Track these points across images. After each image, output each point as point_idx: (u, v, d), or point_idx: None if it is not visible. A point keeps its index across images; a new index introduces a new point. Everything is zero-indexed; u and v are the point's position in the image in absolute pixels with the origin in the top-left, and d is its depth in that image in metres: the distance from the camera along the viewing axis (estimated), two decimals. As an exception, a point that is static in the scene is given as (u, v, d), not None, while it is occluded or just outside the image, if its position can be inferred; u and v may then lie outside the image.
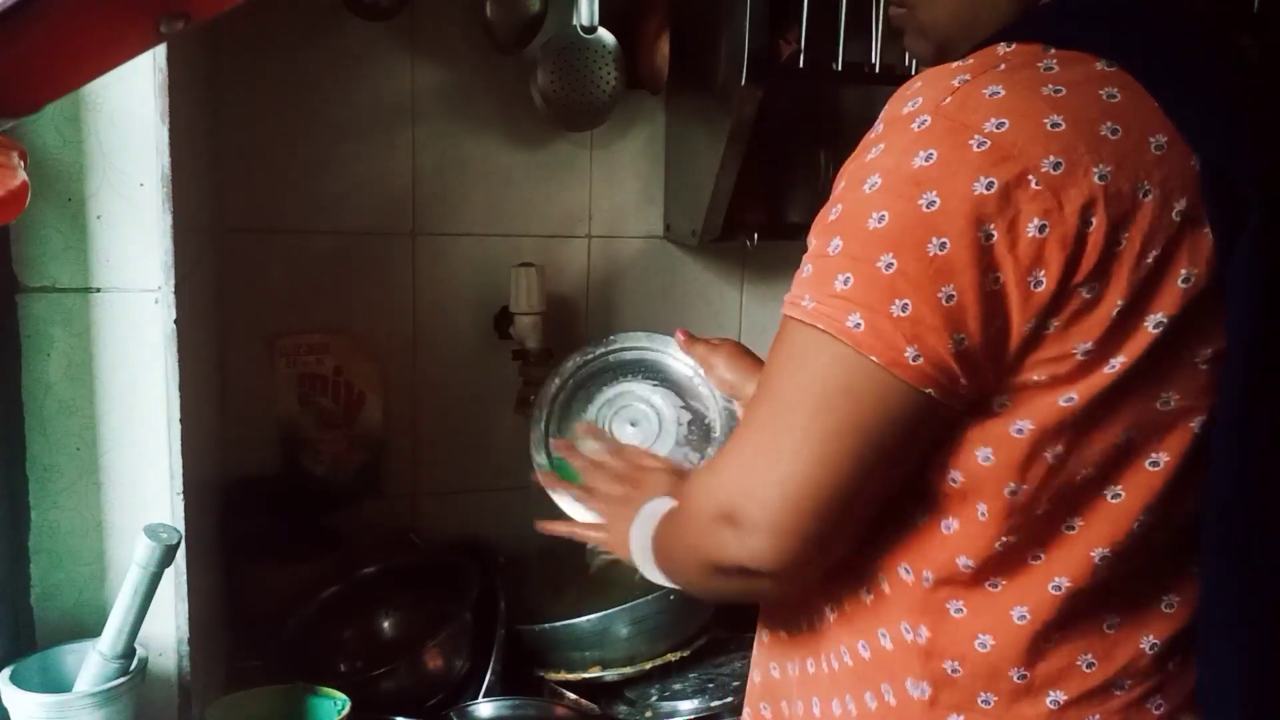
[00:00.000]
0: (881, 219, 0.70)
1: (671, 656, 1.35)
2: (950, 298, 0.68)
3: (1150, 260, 0.70)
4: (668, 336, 1.41)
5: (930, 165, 0.69)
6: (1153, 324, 0.71)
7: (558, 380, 1.33)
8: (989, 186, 0.67)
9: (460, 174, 1.61)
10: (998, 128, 0.68)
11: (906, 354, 0.69)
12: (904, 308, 0.69)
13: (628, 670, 1.34)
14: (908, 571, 0.80)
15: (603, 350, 1.39)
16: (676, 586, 0.94)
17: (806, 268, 0.75)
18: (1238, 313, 0.72)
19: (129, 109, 0.97)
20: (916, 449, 0.75)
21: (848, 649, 0.84)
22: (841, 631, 0.85)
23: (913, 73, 1.60)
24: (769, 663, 0.95)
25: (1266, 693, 0.77)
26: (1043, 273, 0.68)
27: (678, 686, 1.37)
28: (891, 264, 0.69)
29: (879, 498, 0.76)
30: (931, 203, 0.68)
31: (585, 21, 1.48)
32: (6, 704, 0.94)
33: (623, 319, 1.75)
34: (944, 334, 0.69)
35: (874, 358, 0.69)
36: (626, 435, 1.30)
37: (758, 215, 1.68)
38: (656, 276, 1.75)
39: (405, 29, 1.54)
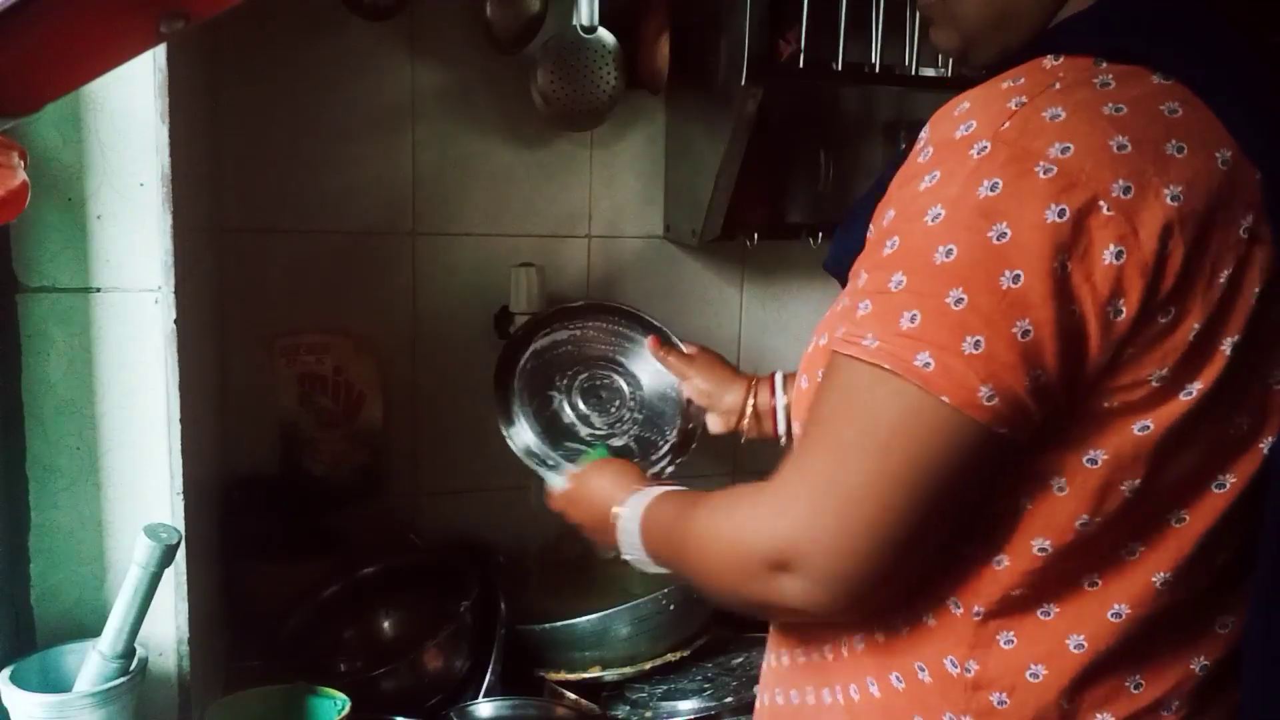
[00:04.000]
0: (949, 252, 0.66)
1: (671, 656, 1.35)
2: (1026, 333, 0.65)
3: (1223, 280, 0.68)
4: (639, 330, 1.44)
5: (997, 195, 0.66)
6: (1228, 347, 0.69)
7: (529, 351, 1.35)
8: (1061, 215, 0.64)
9: (460, 174, 1.61)
10: (1063, 153, 0.65)
11: (980, 394, 0.66)
12: (977, 344, 0.65)
13: (627, 670, 1.34)
14: (957, 605, 0.77)
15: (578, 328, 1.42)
16: (668, 572, 0.94)
17: (864, 304, 0.70)
18: None
19: (129, 109, 0.97)
20: (982, 485, 0.72)
21: (875, 680, 0.81)
22: (870, 663, 0.82)
23: (914, 72, 1.60)
24: (776, 688, 0.93)
25: None
26: (1122, 301, 0.66)
27: (678, 686, 1.37)
28: (962, 299, 0.66)
29: (942, 535, 0.74)
30: (1003, 234, 0.65)
31: (585, 21, 1.48)
32: (6, 704, 0.94)
33: (623, 319, 1.74)
34: (1020, 371, 0.66)
35: (945, 398, 0.66)
36: (583, 409, 1.33)
37: (758, 215, 1.68)
38: (656, 276, 1.75)
39: (405, 29, 1.54)
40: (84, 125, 0.97)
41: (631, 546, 0.97)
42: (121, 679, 0.95)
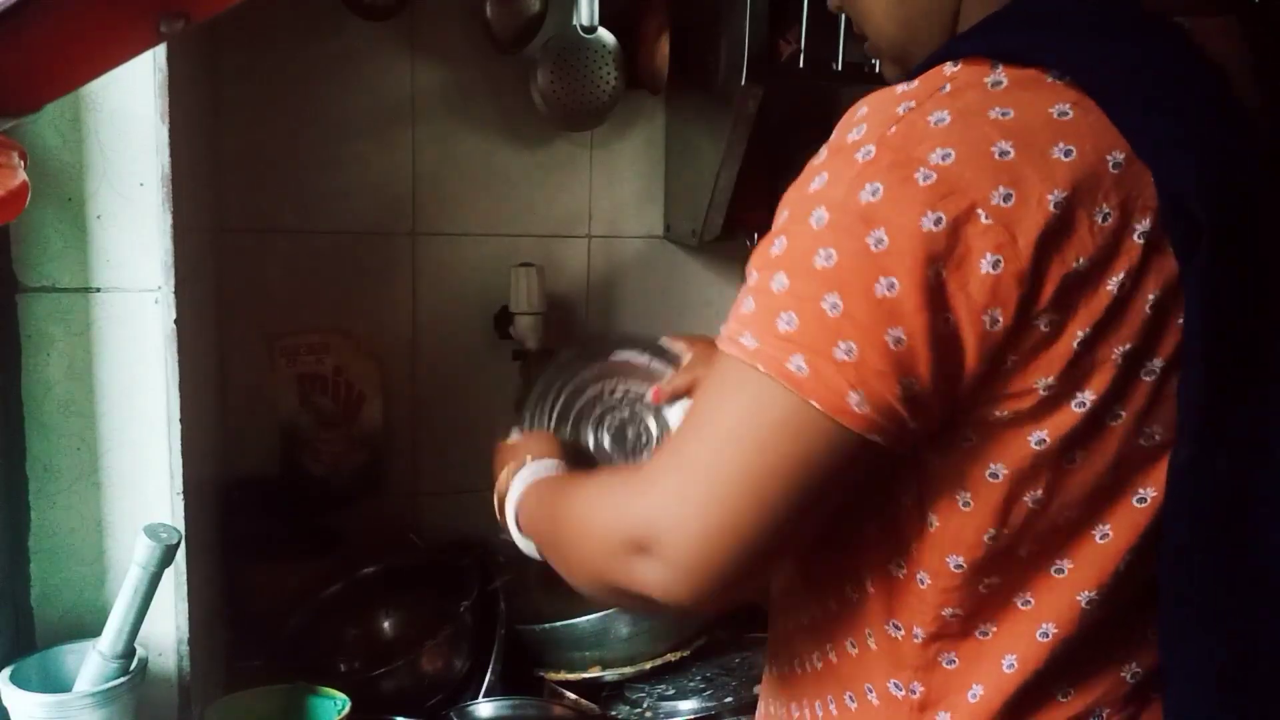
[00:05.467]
0: (829, 257, 0.66)
1: (671, 656, 1.35)
2: (899, 341, 0.65)
3: (1112, 287, 0.66)
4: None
5: (877, 201, 0.65)
6: (1120, 355, 0.67)
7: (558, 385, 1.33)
8: (937, 223, 0.64)
9: (460, 174, 1.61)
10: (943, 159, 0.64)
11: (850, 400, 0.65)
12: (849, 351, 0.65)
13: (627, 670, 1.34)
14: (897, 628, 0.77)
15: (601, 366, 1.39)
16: (541, 559, 0.93)
17: (748, 302, 0.71)
18: (1189, 343, 0.68)
19: (129, 109, 0.97)
20: (849, 491, 0.72)
21: (834, 699, 0.83)
22: (829, 681, 0.83)
23: (913, 73, 1.60)
24: (766, 698, 0.95)
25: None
26: (999, 310, 0.65)
27: (677, 686, 1.37)
28: (837, 305, 0.65)
29: (805, 537, 0.74)
30: (880, 240, 0.64)
31: (585, 21, 1.48)
32: (6, 704, 0.94)
33: (623, 319, 1.75)
34: (891, 379, 0.65)
35: (815, 403, 0.66)
36: (607, 449, 1.31)
37: (758, 215, 1.67)
38: (656, 276, 1.75)
39: (405, 29, 1.54)
40: (84, 125, 0.97)
41: (511, 522, 0.98)
42: (121, 679, 0.95)
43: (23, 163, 0.56)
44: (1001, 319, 0.65)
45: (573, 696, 1.34)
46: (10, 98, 0.50)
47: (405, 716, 1.23)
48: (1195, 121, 0.68)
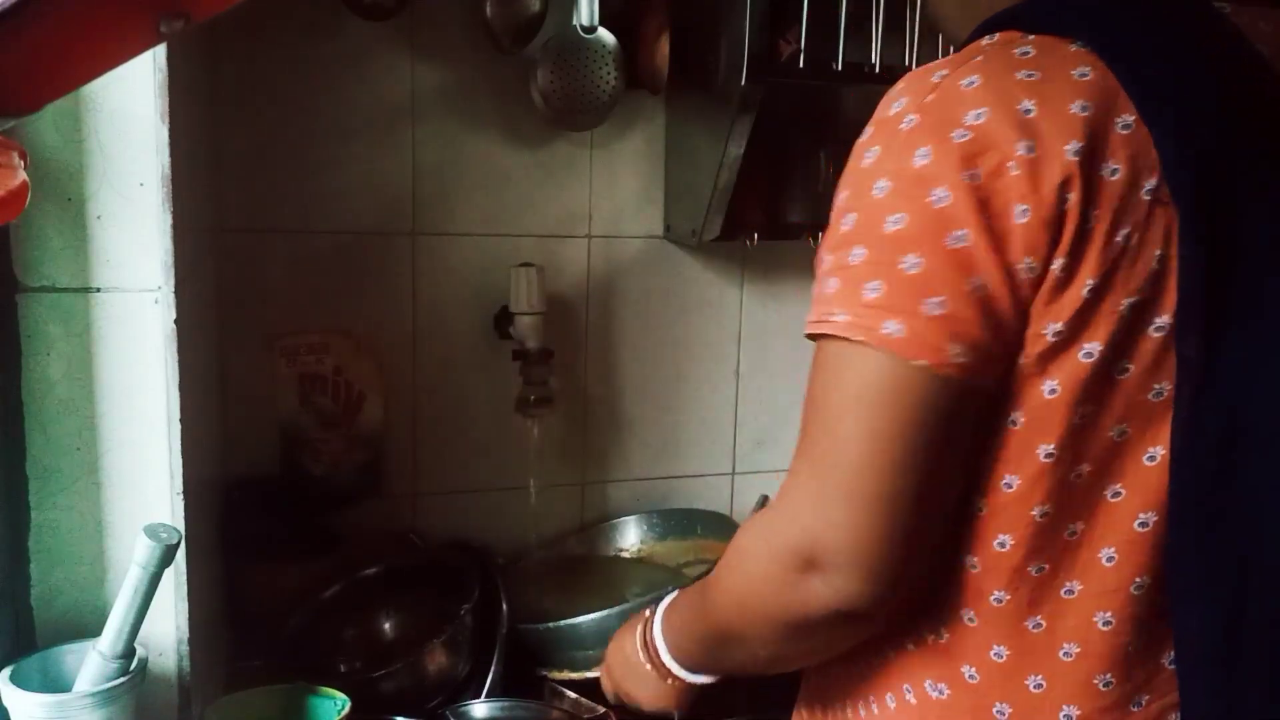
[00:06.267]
0: (900, 220, 0.69)
1: None
2: (980, 287, 0.68)
3: (1120, 239, 0.69)
4: None
5: (929, 163, 0.69)
6: (1126, 308, 0.70)
7: None
8: (973, 178, 0.68)
9: (460, 174, 1.61)
10: (977, 119, 0.69)
11: (950, 352, 0.68)
12: (941, 304, 0.68)
13: None
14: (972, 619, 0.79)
15: None
16: (720, 674, 0.92)
17: (830, 282, 0.72)
18: (1184, 299, 0.71)
19: (129, 109, 0.97)
20: (969, 436, 0.73)
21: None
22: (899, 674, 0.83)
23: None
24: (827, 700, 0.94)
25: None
26: (1032, 258, 0.68)
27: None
28: (917, 263, 0.68)
29: (948, 499, 0.74)
30: (941, 197, 0.68)
31: (585, 21, 1.48)
32: (6, 704, 0.94)
33: (623, 319, 1.75)
34: (981, 324, 0.68)
35: (920, 361, 0.68)
36: None
37: (758, 215, 1.68)
38: (656, 276, 1.75)
39: (405, 29, 1.54)
40: (84, 125, 0.97)
41: (667, 658, 0.95)
42: (121, 679, 0.95)
43: (23, 163, 0.56)
44: (1036, 266, 0.69)
45: (573, 696, 1.34)
46: (10, 98, 0.50)
47: (405, 717, 1.23)
48: (1198, 97, 0.73)
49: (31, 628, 1.03)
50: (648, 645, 0.97)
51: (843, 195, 0.75)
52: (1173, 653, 0.78)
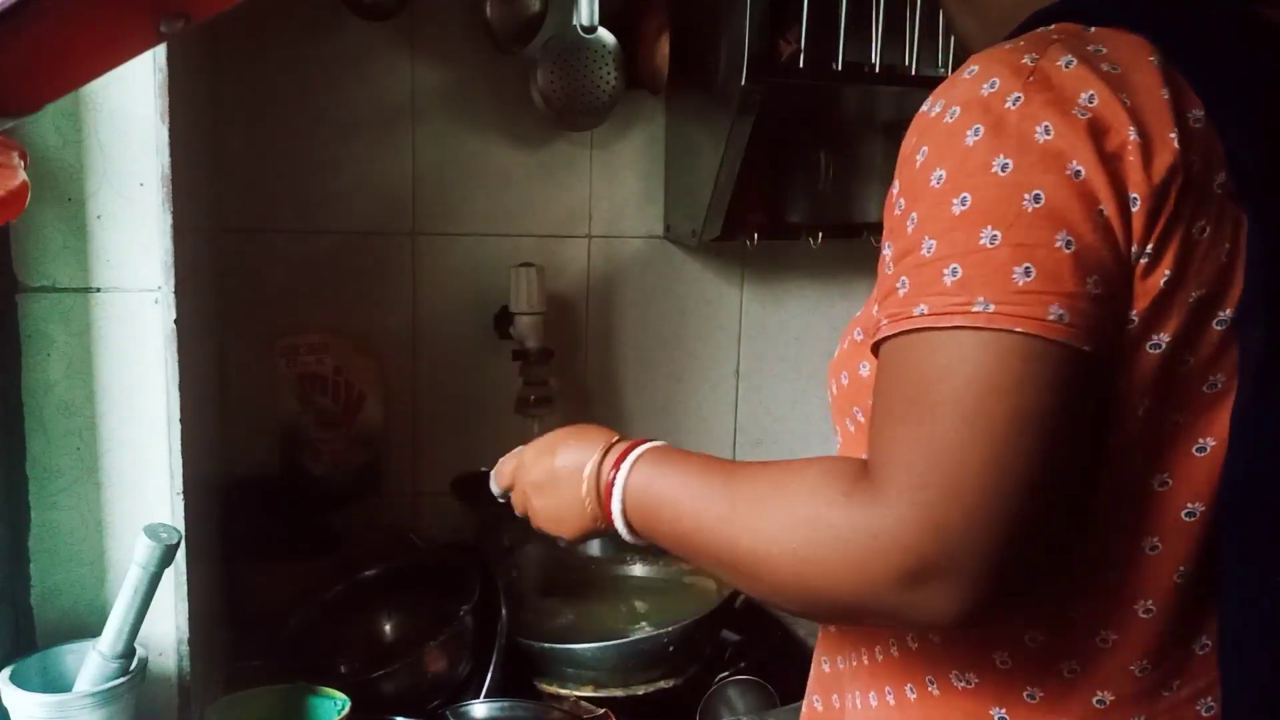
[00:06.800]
0: (1037, 198, 0.65)
1: (665, 683, 1.36)
2: (1133, 254, 0.66)
3: (1196, 231, 0.68)
4: None
5: (1054, 137, 0.66)
6: (1195, 299, 0.69)
7: None
8: (1101, 156, 0.66)
9: (460, 174, 1.61)
10: (1090, 100, 0.67)
11: (1051, 314, 0.64)
12: (1027, 271, 0.64)
13: (618, 693, 1.34)
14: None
15: None
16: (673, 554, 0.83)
17: (951, 269, 0.66)
18: (1250, 294, 0.70)
19: (129, 109, 0.97)
20: (1091, 418, 0.68)
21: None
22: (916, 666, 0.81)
23: (913, 72, 1.60)
24: (823, 656, 0.94)
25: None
26: (1137, 245, 0.67)
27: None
28: (1070, 240, 0.65)
29: (1077, 489, 0.69)
30: (1077, 171, 0.65)
31: (585, 21, 1.48)
32: (6, 704, 0.94)
33: (623, 319, 1.75)
34: (1078, 280, 0.65)
35: (1018, 329, 0.63)
36: None
37: (758, 215, 1.68)
38: (656, 276, 1.75)
39: (405, 29, 1.54)
40: (84, 125, 0.97)
41: (618, 509, 0.82)
42: (121, 679, 0.95)
43: (23, 163, 0.55)
44: (1139, 255, 0.67)
45: (574, 696, 1.34)
46: (10, 98, 0.50)
47: (405, 717, 1.23)
48: (1261, 89, 0.72)
49: (31, 628, 1.03)
50: (599, 484, 0.84)
51: (935, 172, 0.69)
52: (1205, 638, 0.77)
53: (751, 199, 1.65)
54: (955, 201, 0.67)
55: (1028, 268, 0.64)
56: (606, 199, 1.70)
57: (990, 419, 0.63)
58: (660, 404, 1.78)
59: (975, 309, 0.64)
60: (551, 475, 0.88)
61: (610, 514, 0.82)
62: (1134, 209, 0.66)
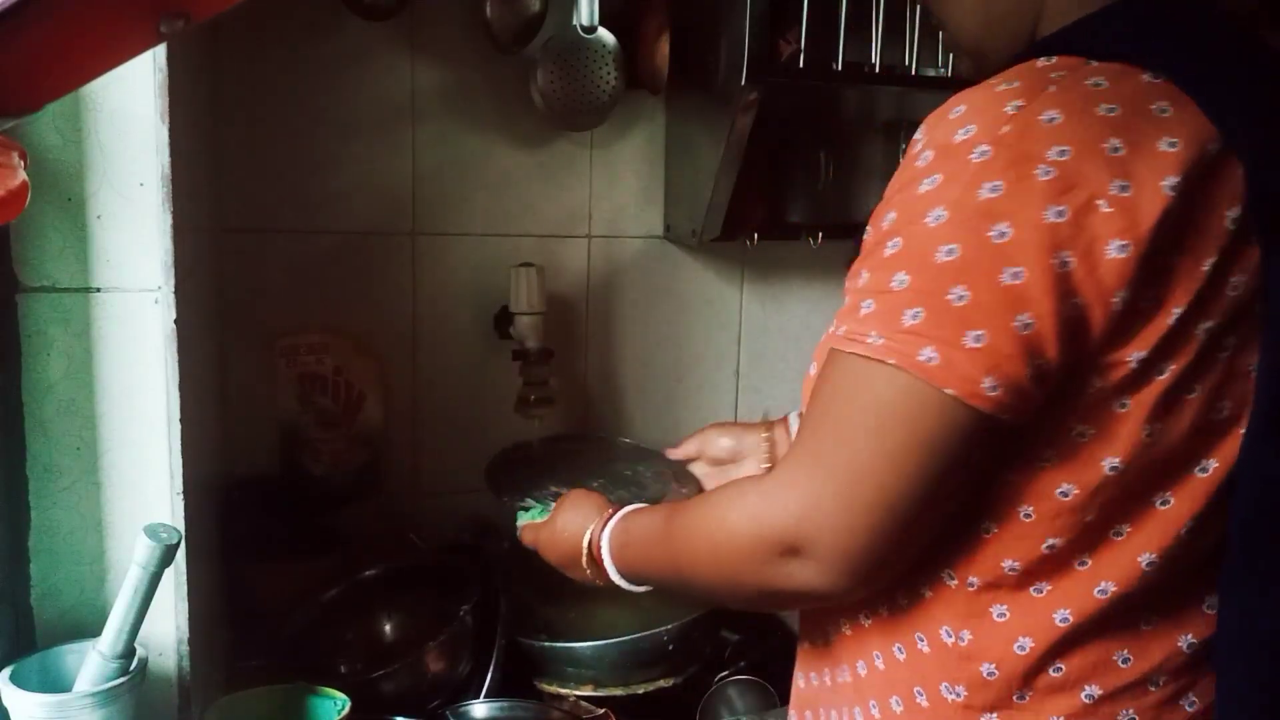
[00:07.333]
0: (951, 252, 0.69)
1: (664, 682, 1.36)
2: (1027, 325, 0.68)
3: (1206, 268, 0.70)
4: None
5: (999, 197, 0.68)
6: (1204, 332, 0.71)
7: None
8: (1060, 214, 0.67)
9: (460, 174, 1.61)
10: (1061, 155, 0.68)
11: (984, 385, 0.69)
12: (979, 338, 0.68)
13: (618, 692, 1.34)
14: (951, 576, 0.80)
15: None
16: (656, 590, 0.95)
17: (867, 303, 0.73)
18: (1274, 327, 0.72)
19: (129, 109, 0.97)
20: (979, 465, 0.75)
21: (881, 654, 0.84)
22: (876, 637, 0.85)
23: (913, 72, 1.60)
24: (806, 671, 0.96)
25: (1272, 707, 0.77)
26: (1126, 291, 0.69)
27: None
28: (964, 296, 0.69)
29: (942, 516, 0.76)
30: (1003, 233, 0.68)
31: (585, 21, 1.48)
32: (6, 704, 0.94)
33: (623, 319, 1.75)
34: (1021, 361, 0.69)
35: (950, 390, 0.69)
36: None
37: (758, 215, 1.68)
38: (656, 276, 1.75)
39: (405, 29, 1.54)
40: (84, 125, 0.97)
41: (610, 567, 0.99)
42: (121, 679, 0.95)
43: (23, 163, 0.55)
44: (1128, 298, 0.69)
45: (574, 696, 1.34)
46: (10, 98, 0.50)
47: (405, 717, 1.23)
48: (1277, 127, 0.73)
49: (31, 628, 1.03)
50: (591, 547, 1.01)
51: (889, 215, 0.75)
52: (1191, 637, 0.80)
53: (751, 199, 1.65)
54: (889, 244, 0.73)
55: (918, 312, 0.70)
56: (606, 199, 1.70)
57: (870, 437, 0.72)
58: (660, 404, 1.78)
59: (869, 340, 0.72)
60: (558, 547, 1.07)
61: (608, 575, 0.99)
62: (1123, 255, 0.68)
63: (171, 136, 0.99)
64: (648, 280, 1.75)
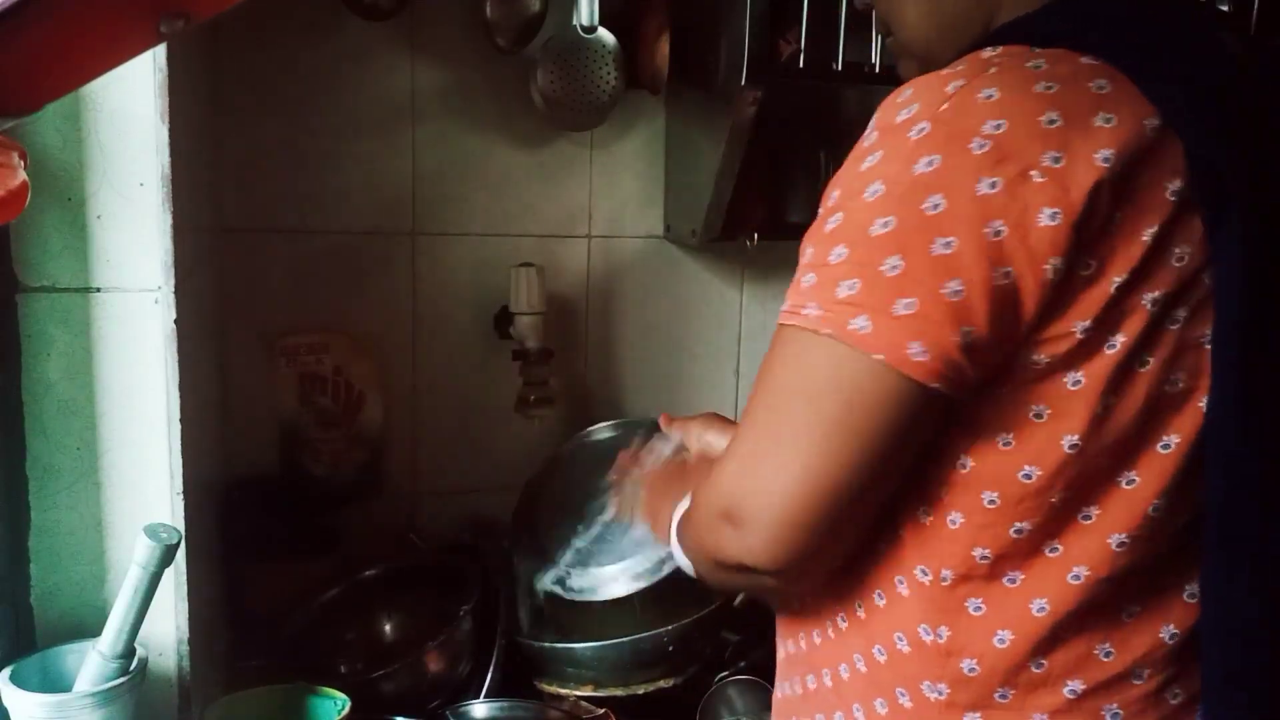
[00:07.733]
0: (886, 224, 0.70)
1: (665, 683, 1.36)
2: (956, 292, 0.69)
3: (1146, 238, 0.71)
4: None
5: (933, 170, 0.70)
6: (1150, 302, 0.72)
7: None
8: (993, 186, 0.69)
9: (460, 174, 1.61)
10: (996, 129, 0.69)
11: (910, 350, 0.69)
12: (909, 305, 0.69)
13: (618, 692, 1.35)
14: (925, 572, 0.80)
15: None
16: (695, 576, 0.94)
17: (808, 277, 0.75)
18: (1226, 297, 0.73)
19: (129, 109, 0.98)
20: (918, 444, 0.75)
21: (861, 655, 0.84)
22: (854, 639, 0.85)
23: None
24: (786, 679, 0.96)
25: (1263, 691, 0.77)
26: (1059, 259, 0.69)
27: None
28: (897, 266, 0.70)
29: (879, 496, 0.77)
30: (936, 205, 0.69)
31: (585, 21, 1.48)
32: (6, 704, 0.94)
33: (623, 319, 1.75)
34: (950, 328, 0.69)
35: (879, 356, 0.70)
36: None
37: (758, 215, 1.68)
38: (656, 276, 1.75)
39: (405, 29, 1.54)
40: (84, 125, 0.97)
41: (677, 551, 0.97)
42: (121, 679, 0.95)
43: (23, 163, 0.56)
44: (1061, 267, 0.70)
45: (574, 696, 1.34)
46: (10, 98, 0.50)
47: (405, 717, 1.23)
48: (1222, 99, 0.75)
49: (31, 628, 1.03)
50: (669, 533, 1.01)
51: (834, 194, 0.76)
52: (1173, 627, 0.80)
53: (751, 199, 1.65)
54: (831, 220, 0.75)
55: (854, 283, 0.71)
56: (606, 199, 1.70)
57: (802, 405, 0.73)
58: (660, 404, 1.78)
59: (805, 311, 0.73)
60: (653, 513, 1.07)
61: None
62: (1050, 223, 0.69)
63: (171, 136, 0.99)
64: (648, 280, 1.75)
